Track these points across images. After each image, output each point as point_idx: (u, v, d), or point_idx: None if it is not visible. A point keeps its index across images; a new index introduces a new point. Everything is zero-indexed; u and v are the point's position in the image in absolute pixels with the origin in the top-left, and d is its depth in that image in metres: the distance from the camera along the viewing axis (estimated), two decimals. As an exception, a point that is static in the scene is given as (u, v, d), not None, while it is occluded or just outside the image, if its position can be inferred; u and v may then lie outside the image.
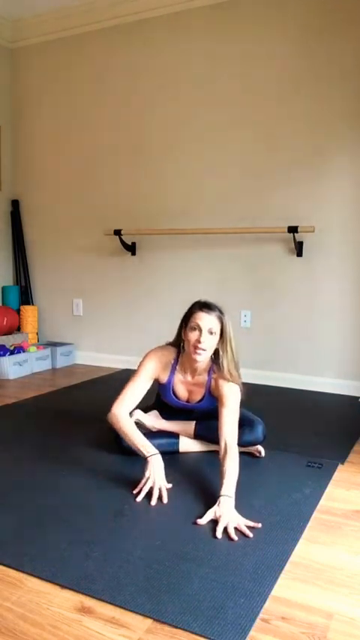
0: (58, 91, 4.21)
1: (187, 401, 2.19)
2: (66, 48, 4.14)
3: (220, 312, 1.98)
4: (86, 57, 4.07)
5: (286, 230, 3.31)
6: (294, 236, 3.38)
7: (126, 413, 2.00)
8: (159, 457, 1.85)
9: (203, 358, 1.97)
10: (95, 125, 4.08)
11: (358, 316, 3.35)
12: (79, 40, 4.08)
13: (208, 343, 1.94)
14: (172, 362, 2.08)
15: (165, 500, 1.75)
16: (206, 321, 1.93)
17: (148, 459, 1.84)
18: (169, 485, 1.85)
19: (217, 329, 1.95)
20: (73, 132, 4.18)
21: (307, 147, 3.39)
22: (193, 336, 1.94)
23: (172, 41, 3.73)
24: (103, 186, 4.09)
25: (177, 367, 2.11)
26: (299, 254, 3.44)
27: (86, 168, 4.16)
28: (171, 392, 2.15)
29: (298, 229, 3.29)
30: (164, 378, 2.11)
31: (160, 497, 1.78)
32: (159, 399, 2.28)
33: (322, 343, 3.46)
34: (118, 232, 3.86)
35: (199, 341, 1.93)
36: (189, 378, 2.12)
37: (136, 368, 2.13)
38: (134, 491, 1.82)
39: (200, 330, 1.93)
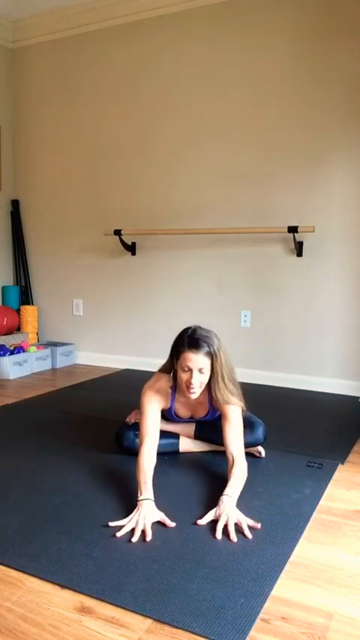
0: (58, 91, 4.21)
1: (192, 417, 2.19)
2: (66, 48, 4.14)
3: (209, 345, 1.89)
4: (86, 57, 4.07)
5: (286, 230, 3.32)
6: (294, 236, 3.38)
7: (149, 450, 1.88)
8: (150, 503, 1.71)
9: (197, 395, 1.96)
10: (95, 125, 4.08)
11: (358, 316, 3.35)
12: (79, 40, 4.08)
13: (200, 380, 1.92)
14: (170, 391, 2.05)
15: (148, 538, 1.58)
16: (195, 362, 1.88)
17: (138, 502, 1.72)
18: (161, 516, 1.69)
19: (207, 366, 1.90)
20: (73, 132, 4.18)
21: (307, 147, 3.39)
22: (184, 376, 1.91)
23: (173, 41, 3.73)
24: (104, 186, 4.10)
25: (176, 395, 2.09)
26: (299, 254, 3.45)
27: (86, 168, 4.16)
28: (173, 414, 2.15)
29: (298, 229, 3.29)
30: (166, 406, 2.09)
31: (143, 533, 1.61)
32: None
33: (322, 343, 3.46)
34: (118, 232, 3.86)
35: (190, 382, 1.91)
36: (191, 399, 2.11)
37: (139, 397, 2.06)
38: (111, 524, 1.65)
39: (191, 371, 1.90)
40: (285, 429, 2.66)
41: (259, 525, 1.65)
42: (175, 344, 1.96)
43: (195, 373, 1.89)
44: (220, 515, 1.67)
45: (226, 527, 1.63)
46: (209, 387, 1.97)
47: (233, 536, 1.59)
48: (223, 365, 1.93)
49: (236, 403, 1.97)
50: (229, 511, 1.67)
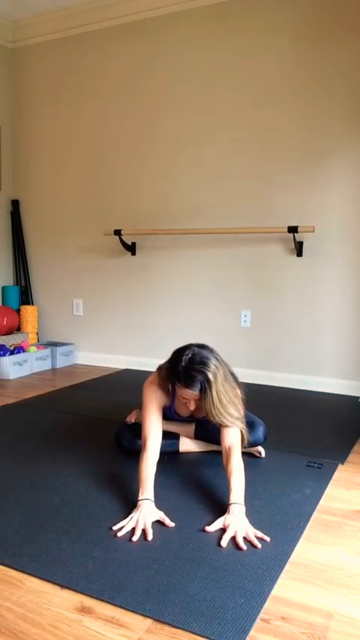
0: (58, 91, 4.21)
1: (192, 415, 2.19)
2: (66, 48, 4.14)
3: (204, 380, 1.81)
4: (86, 57, 4.07)
5: (286, 230, 3.32)
6: (294, 236, 3.39)
7: (151, 449, 1.88)
8: (150, 503, 1.72)
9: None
10: (95, 125, 4.08)
11: (358, 316, 3.35)
12: (80, 40, 4.08)
13: (198, 403, 1.93)
14: (171, 390, 2.04)
15: (150, 537, 1.60)
16: (191, 396, 1.87)
17: (139, 502, 1.72)
18: (161, 515, 1.71)
19: (201, 396, 1.87)
20: (73, 132, 4.18)
21: (307, 147, 3.39)
22: (182, 396, 1.92)
23: (173, 41, 3.73)
24: (104, 186, 4.10)
25: (175, 395, 2.08)
26: (299, 254, 3.45)
27: (86, 168, 4.16)
28: (174, 412, 2.15)
29: (298, 229, 3.29)
30: (167, 403, 2.08)
31: (144, 532, 1.63)
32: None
33: (322, 343, 3.46)
34: (118, 232, 3.86)
35: (189, 404, 1.94)
36: None
37: (141, 399, 2.05)
38: (114, 527, 1.65)
39: (188, 400, 1.92)
40: (285, 429, 2.66)
41: (268, 538, 1.60)
42: (172, 368, 1.87)
43: (191, 402, 1.92)
44: (228, 527, 1.63)
45: (233, 537, 1.60)
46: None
47: (242, 546, 1.55)
48: (220, 391, 1.85)
49: (233, 425, 1.90)
50: (238, 524, 1.63)
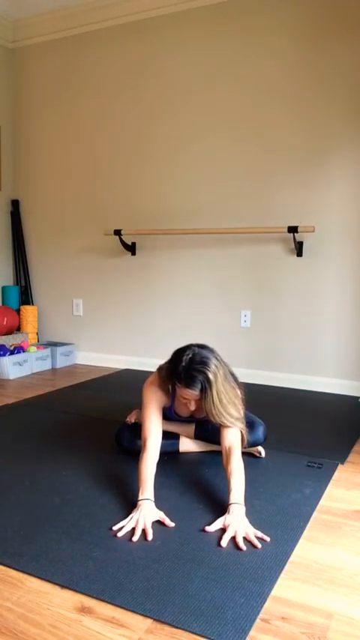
0: (58, 91, 4.21)
1: (192, 416, 2.18)
2: (66, 48, 4.14)
3: (204, 380, 1.81)
4: (86, 57, 4.07)
5: (286, 230, 3.32)
6: (294, 236, 3.39)
7: (151, 449, 1.88)
8: (150, 503, 1.72)
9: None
10: (95, 125, 4.08)
11: (358, 316, 3.35)
12: (80, 40, 4.08)
13: (199, 404, 1.93)
14: (171, 390, 2.04)
15: (150, 537, 1.60)
16: (191, 396, 1.87)
17: (139, 502, 1.72)
18: (161, 515, 1.71)
19: (201, 396, 1.87)
20: (73, 132, 4.18)
21: (307, 147, 3.39)
22: (182, 396, 1.92)
23: (173, 41, 3.73)
24: (104, 186, 4.10)
25: (176, 395, 2.08)
26: (299, 254, 3.45)
27: (86, 168, 4.16)
28: (174, 413, 2.15)
29: (298, 229, 3.29)
30: (167, 403, 2.08)
31: (144, 532, 1.63)
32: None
33: (322, 343, 3.46)
34: (118, 232, 3.86)
35: (189, 404, 1.94)
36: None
37: (141, 398, 2.05)
38: (114, 528, 1.65)
39: (188, 400, 1.92)
40: (285, 429, 2.66)
41: (268, 538, 1.60)
42: (172, 368, 1.88)
43: (192, 402, 1.92)
44: (228, 527, 1.63)
45: (233, 537, 1.60)
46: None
47: (242, 546, 1.55)
48: (220, 391, 1.85)
49: (233, 425, 1.90)
50: (238, 524, 1.63)
